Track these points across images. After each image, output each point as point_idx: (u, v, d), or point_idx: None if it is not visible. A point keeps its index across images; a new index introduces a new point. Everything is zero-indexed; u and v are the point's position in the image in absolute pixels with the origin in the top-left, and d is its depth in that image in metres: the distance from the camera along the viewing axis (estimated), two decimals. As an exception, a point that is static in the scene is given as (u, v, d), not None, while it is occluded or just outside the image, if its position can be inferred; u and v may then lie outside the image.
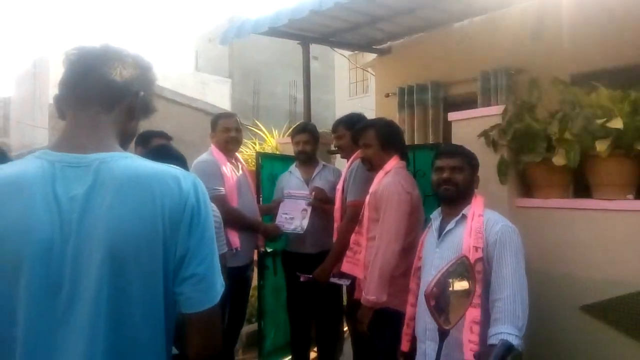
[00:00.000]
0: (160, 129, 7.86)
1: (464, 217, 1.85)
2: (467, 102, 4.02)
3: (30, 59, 17.04)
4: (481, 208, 1.87)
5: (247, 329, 3.89)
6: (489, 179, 2.56)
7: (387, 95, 4.70)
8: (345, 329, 3.37)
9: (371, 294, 2.18)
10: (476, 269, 1.70)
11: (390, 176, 2.37)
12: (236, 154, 3.04)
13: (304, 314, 3.16)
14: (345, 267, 2.51)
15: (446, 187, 1.92)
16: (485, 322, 1.70)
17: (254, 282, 3.28)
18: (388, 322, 2.19)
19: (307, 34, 4.01)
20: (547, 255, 2.47)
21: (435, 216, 2.00)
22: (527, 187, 2.61)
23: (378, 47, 4.74)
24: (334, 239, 2.75)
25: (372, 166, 2.51)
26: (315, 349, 3.29)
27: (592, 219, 2.33)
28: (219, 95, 18.01)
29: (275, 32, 3.66)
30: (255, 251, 3.17)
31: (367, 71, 5.28)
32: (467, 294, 1.07)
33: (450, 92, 4.31)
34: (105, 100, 0.99)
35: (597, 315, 2.31)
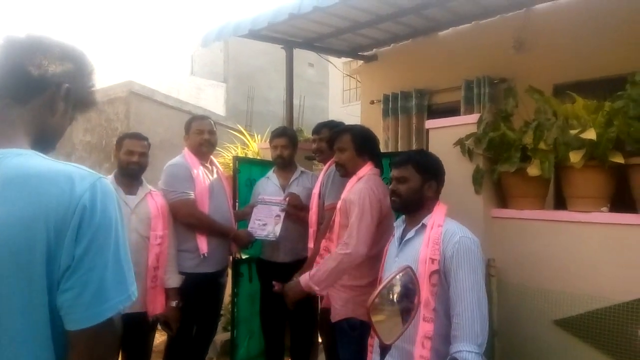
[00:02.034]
0: (151, 132, 7.84)
1: (424, 226, 1.80)
2: (451, 110, 4.00)
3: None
4: (442, 218, 1.81)
5: (222, 337, 3.82)
6: (465, 188, 2.52)
7: (372, 102, 4.67)
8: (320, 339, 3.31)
9: (319, 286, 2.15)
10: (431, 281, 1.64)
11: (363, 182, 2.34)
12: (212, 157, 2.98)
13: (277, 323, 3.09)
14: None
15: (392, 199, 1.90)
16: (445, 336, 1.64)
17: (228, 289, 3.21)
18: (353, 332, 2.14)
19: (290, 39, 3.98)
20: (521, 267, 2.43)
21: (399, 224, 1.95)
22: (502, 197, 2.56)
23: (364, 53, 4.71)
24: (310, 244, 2.70)
25: (345, 171, 2.47)
26: (290, 358, 3.22)
27: (566, 231, 2.28)
28: (213, 100, 17.98)
29: (257, 35, 3.62)
30: (231, 258, 3.11)
31: (354, 78, 5.25)
32: (410, 307, 1.02)
33: (434, 100, 4.28)
34: (18, 93, 0.93)
35: (571, 329, 2.26)
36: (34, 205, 0.80)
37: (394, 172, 1.93)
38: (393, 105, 4.42)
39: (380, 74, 4.68)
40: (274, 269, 2.94)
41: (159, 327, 2.63)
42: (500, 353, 2.43)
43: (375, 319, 0.93)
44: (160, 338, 3.21)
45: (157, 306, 2.50)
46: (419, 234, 1.80)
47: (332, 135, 2.54)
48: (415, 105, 4.27)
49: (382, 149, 4.40)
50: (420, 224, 1.81)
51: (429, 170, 1.90)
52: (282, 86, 16.91)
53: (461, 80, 3.97)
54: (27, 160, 0.86)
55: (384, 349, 0.96)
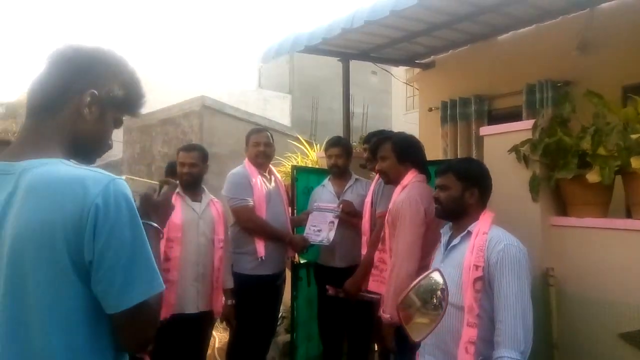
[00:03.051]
0: (222, 144, 8.25)
1: (469, 233, 1.81)
2: (512, 116, 3.89)
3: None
4: (487, 225, 1.82)
5: (284, 338, 3.97)
6: (522, 196, 2.47)
7: (430, 110, 4.65)
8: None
9: (387, 312, 2.17)
10: (475, 287, 1.66)
11: (406, 192, 2.36)
12: (271, 167, 3.16)
13: (335, 328, 3.18)
14: (372, 285, 2.52)
15: (435, 206, 1.93)
16: (489, 341, 1.65)
17: (289, 292, 3.36)
18: (406, 338, 2.17)
19: (346, 51, 4.10)
20: (582, 277, 2.33)
21: (446, 231, 1.97)
22: (562, 205, 2.48)
23: (421, 61, 4.72)
24: (363, 251, 2.77)
25: (388, 179, 2.52)
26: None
27: (629, 240, 2.17)
28: (279, 111, 18.57)
29: (314, 50, 3.78)
30: (290, 262, 3.26)
31: (412, 86, 5.25)
32: (437, 307, 1.07)
33: (495, 105, 4.19)
34: (47, 106, 1.00)
35: (636, 343, 2.14)
36: (53, 208, 0.89)
37: (437, 181, 1.96)
38: (452, 112, 4.38)
39: (438, 81, 4.65)
40: (330, 273, 3.04)
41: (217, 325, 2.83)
42: (559, 366, 2.35)
43: (404, 317, 1.00)
44: (223, 339, 3.43)
45: (219, 305, 2.70)
46: (464, 241, 1.82)
47: (373, 144, 2.60)
48: (475, 111, 4.20)
49: (441, 156, 4.38)
50: (466, 231, 1.83)
51: (469, 177, 1.91)
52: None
53: (522, 85, 3.86)
54: (50, 168, 0.94)
55: (413, 346, 1.02)
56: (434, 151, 4.51)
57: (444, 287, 1.10)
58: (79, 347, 0.92)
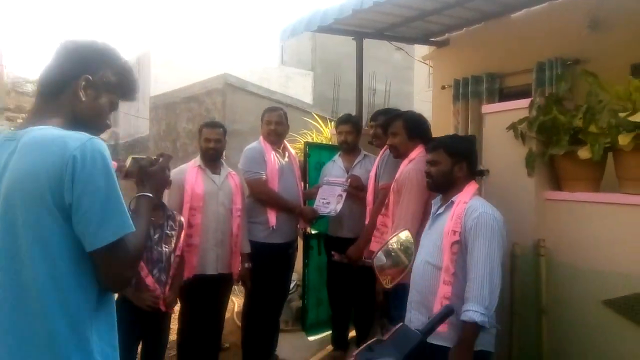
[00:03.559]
0: (244, 121, 8.47)
1: (452, 203, 1.99)
2: (523, 93, 3.95)
3: (134, 55, 19.02)
4: (468, 196, 1.99)
5: (297, 303, 4.24)
6: (518, 171, 2.61)
7: (444, 88, 4.74)
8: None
9: None
10: (452, 250, 1.86)
11: (413, 164, 2.55)
12: (285, 143, 3.37)
13: (343, 294, 3.41)
14: (374, 246, 2.73)
15: (427, 180, 2.12)
16: (462, 298, 1.84)
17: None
18: (401, 294, 2.38)
19: (360, 30, 4.21)
20: (573, 248, 2.48)
21: (437, 202, 2.15)
22: (556, 180, 2.61)
23: (436, 39, 4.78)
24: (366, 220, 2.97)
25: (398, 153, 2.70)
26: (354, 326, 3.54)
27: (617, 213, 2.30)
28: (301, 88, 18.62)
29: (328, 29, 3.91)
30: (302, 232, 3.50)
31: (426, 64, 5.32)
32: (402, 261, 1.26)
33: (506, 83, 4.25)
34: (51, 89, 1.20)
35: (619, 310, 2.29)
36: (39, 160, 1.07)
37: (428, 157, 2.14)
38: (464, 90, 4.46)
39: (452, 59, 4.72)
40: (338, 243, 3.26)
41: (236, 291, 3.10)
42: (547, 330, 2.52)
43: (377, 268, 1.20)
44: (239, 304, 3.70)
45: (237, 267, 2.97)
46: (448, 210, 2.01)
47: (386, 120, 2.78)
48: (486, 89, 4.27)
49: (452, 133, 4.48)
50: (450, 201, 2.01)
51: (459, 152, 2.08)
52: (367, 72, 16.85)
53: (533, 63, 3.91)
54: (43, 131, 1.13)
55: (385, 292, 1.21)
56: (446, 129, 4.61)
57: (411, 245, 1.29)
58: (62, 277, 1.08)
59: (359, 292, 3.29)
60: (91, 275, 1.13)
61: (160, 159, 1.43)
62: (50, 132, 1.13)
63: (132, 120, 18.27)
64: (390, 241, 1.23)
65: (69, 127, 1.18)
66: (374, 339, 1.19)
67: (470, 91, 4.40)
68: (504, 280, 2.49)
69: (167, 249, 2.47)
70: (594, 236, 2.38)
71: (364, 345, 1.18)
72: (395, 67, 18.95)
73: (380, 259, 1.19)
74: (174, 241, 2.52)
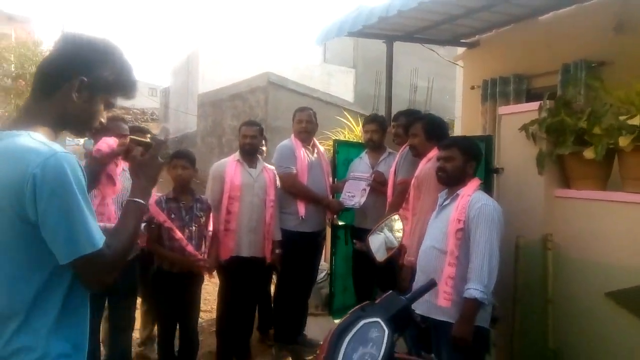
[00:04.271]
0: (285, 118, 9.02)
1: (457, 195, 2.23)
2: (550, 94, 4.06)
3: (184, 53, 19.92)
4: (472, 190, 2.22)
5: (327, 290, 4.55)
6: (529, 169, 2.79)
7: (473, 88, 4.88)
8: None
9: (411, 256, 2.64)
10: (457, 236, 2.11)
11: (431, 163, 2.78)
12: (314, 140, 3.68)
13: (366, 281, 3.68)
14: None
15: (439, 174, 2.32)
16: (464, 278, 2.09)
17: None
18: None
19: (391, 33, 4.44)
20: (578, 243, 2.64)
21: (442, 195, 2.39)
22: (565, 179, 2.76)
23: (467, 40, 4.93)
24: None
25: (417, 152, 2.94)
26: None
27: (621, 211, 2.45)
28: (342, 86, 18.83)
29: (360, 33, 4.17)
30: (330, 222, 3.80)
31: (457, 64, 5.46)
32: (392, 241, 1.53)
33: (533, 84, 4.36)
34: (43, 86, 1.18)
35: (620, 302, 2.44)
36: (3, 175, 1.07)
37: (441, 153, 2.37)
38: (492, 90, 4.59)
39: (481, 60, 4.85)
40: (364, 234, 3.50)
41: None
42: (553, 319, 2.69)
43: (371, 244, 1.47)
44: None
45: (269, 252, 3.31)
46: (453, 201, 2.25)
47: (407, 122, 3.02)
48: (514, 90, 4.39)
49: (480, 133, 4.63)
50: (455, 194, 2.25)
51: (470, 152, 2.32)
52: (409, 69, 16.76)
53: (559, 64, 4.01)
54: (16, 140, 1.10)
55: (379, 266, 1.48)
56: (474, 128, 4.77)
57: (400, 227, 1.55)
58: (30, 286, 1.10)
59: (382, 278, 3.55)
60: (57, 283, 1.12)
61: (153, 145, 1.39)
62: (20, 142, 1.09)
63: (181, 117, 19.20)
64: (382, 224, 1.50)
65: (56, 129, 1.18)
66: (367, 302, 1.47)
67: (498, 91, 4.53)
68: (508, 269, 2.71)
69: (196, 227, 2.90)
70: (599, 232, 2.53)
71: (359, 306, 1.46)
72: (439, 64, 18.80)
73: (374, 238, 1.45)
74: (202, 220, 2.94)
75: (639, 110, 2.25)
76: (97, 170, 1.56)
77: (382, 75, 18.56)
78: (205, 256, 2.93)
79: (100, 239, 1.11)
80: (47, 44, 15.94)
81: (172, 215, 2.86)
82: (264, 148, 3.75)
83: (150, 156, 1.34)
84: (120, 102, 1.31)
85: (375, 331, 1.38)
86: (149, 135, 3.13)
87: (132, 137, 1.40)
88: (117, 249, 1.16)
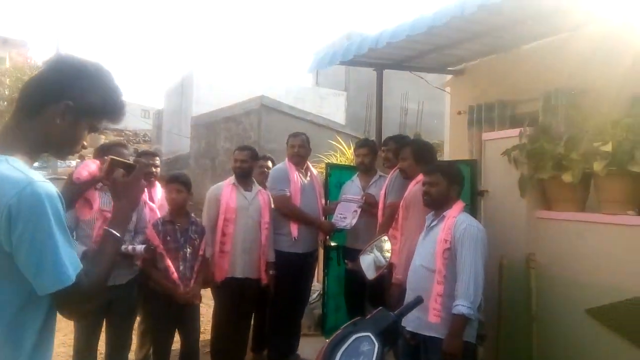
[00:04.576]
0: (279, 140, 9.14)
1: (444, 217, 2.36)
2: (532, 120, 4.25)
3: (178, 76, 20.20)
4: (457, 212, 2.36)
5: (319, 311, 4.61)
6: (512, 192, 2.94)
7: (459, 113, 5.07)
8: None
9: (399, 274, 2.75)
10: (444, 256, 2.24)
11: (419, 185, 2.92)
12: (308, 163, 3.81)
13: (358, 300, 3.76)
14: None
15: (425, 198, 2.48)
16: (451, 296, 2.20)
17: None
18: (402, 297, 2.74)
19: (380, 61, 4.63)
20: (560, 262, 2.77)
21: (430, 217, 2.52)
22: (546, 201, 2.91)
23: (453, 68, 5.14)
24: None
25: (406, 175, 3.09)
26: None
27: (598, 231, 2.59)
28: (334, 108, 19.16)
29: (351, 62, 4.36)
30: (322, 244, 3.90)
31: (444, 90, 5.67)
32: (381, 260, 1.65)
33: (516, 110, 4.54)
34: (29, 109, 1.14)
35: (598, 318, 2.56)
36: None
37: (426, 179, 2.52)
38: (477, 116, 4.77)
39: (467, 87, 5.05)
40: (355, 254, 3.60)
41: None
42: (537, 336, 2.80)
43: (362, 263, 1.59)
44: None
45: (263, 273, 3.40)
46: (440, 223, 2.39)
47: (396, 147, 3.18)
48: (498, 115, 4.57)
49: (467, 156, 4.79)
50: (441, 215, 2.38)
51: (453, 177, 2.47)
52: (400, 93, 17.08)
53: (541, 91, 4.20)
54: None
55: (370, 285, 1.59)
56: (461, 152, 4.94)
57: (388, 248, 1.67)
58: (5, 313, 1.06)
59: (372, 296, 3.64)
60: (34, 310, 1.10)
61: (137, 166, 1.35)
62: None
63: (174, 139, 19.32)
64: (372, 245, 1.61)
65: (36, 152, 1.17)
66: (358, 318, 1.57)
67: (484, 117, 4.71)
68: (493, 288, 2.83)
69: (191, 249, 2.98)
70: (578, 251, 2.67)
71: (350, 322, 1.56)
72: (429, 87, 19.22)
73: (364, 258, 1.57)
74: (197, 242, 3.02)
75: (612, 137, 2.40)
76: (76, 195, 1.52)
77: (373, 98, 18.88)
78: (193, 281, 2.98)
79: (73, 272, 1.08)
80: (42, 68, 16.05)
81: (168, 238, 2.95)
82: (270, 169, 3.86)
83: (132, 178, 1.31)
84: (112, 124, 1.31)
85: (366, 345, 1.47)
86: (132, 157, 3.25)
87: (113, 157, 1.35)
88: (94, 278, 1.14)
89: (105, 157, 1.35)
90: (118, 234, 1.24)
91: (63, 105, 1.14)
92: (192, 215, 3.14)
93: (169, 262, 2.88)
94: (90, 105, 1.18)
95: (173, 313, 2.93)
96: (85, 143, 1.24)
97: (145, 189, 3.33)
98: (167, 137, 20.96)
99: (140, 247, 2.74)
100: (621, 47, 3.64)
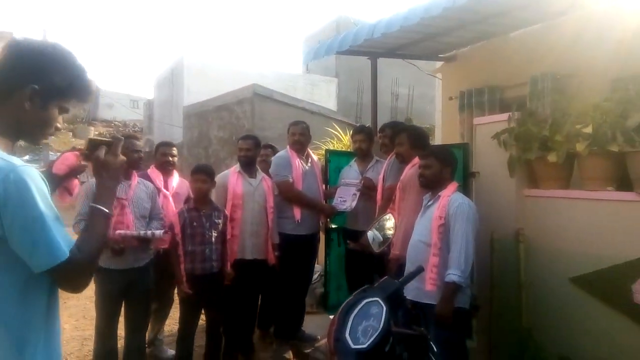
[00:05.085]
0: (272, 128, 9.37)
1: (439, 197, 2.58)
2: (520, 104, 4.46)
3: (168, 66, 20.10)
4: (450, 191, 2.58)
5: (321, 290, 4.83)
6: (502, 172, 3.15)
7: (451, 99, 5.26)
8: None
9: (397, 250, 2.97)
10: (439, 230, 2.47)
11: (415, 168, 3.12)
12: (309, 151, 3.99)
13: (359, 279, 3.97)
14: None
15: (420, 180, 2.70)
16: (445, 266, 2.43)
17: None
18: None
19: (374, 50, 4.79)
20: (546, 235, 3.00)
21: (426, 197, 2.74)
22: (533, 180, 3.12)
23: (444, 55, 5.32)
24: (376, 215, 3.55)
25: (402, 159, 3.28)
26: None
27: (581, 206, 2.82)
28: (326, 95, 19.27)
29: (346, 52, 4.51)
30: (323, 226, 4.10)
31: (436, 77, 5.85)
32: (385, 235, 1.85)
33: (505, 95, 4.75)
34: None
35: (581, 285, 2.79)
36: None
37: (421, 162, 2.72)
38: (468, 100, 4.97)
39: (458, 73, 5.25)
40: (355, 235, 3.83)
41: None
42: (526, 303, 3.04)
43: (369, 239, 1.79)
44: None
45: (271, 254, 3.60)
46: (435, 202, 2.60)
47: (392, 133, 3.37)
48: (488, 100, 4.78)
49: (458, 140, 5.00)
50: (437, 195, 2.60)
51: (445, 160, 2.67)
52: (391, 77, 17.16)
53: (528, 76, 4.41)
54: None
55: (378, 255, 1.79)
56: (453, 136, 5.15)
57: (392, 225, 1.87)
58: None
59: (377, 269, 3.85)
60: (35, 293, 1.14)
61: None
62: None
63: (166, 129, 19.32)
64: (377, 222, 1.81)
65: (15, 134, 1.19)
66: (366, 286, 1.77)
67: (474, 102, 4.91)
68: (485, 261, 3.06)
69: (215, 233, 3.18)
70: (563, 224, 2.90)
71: (360, 289, 1.76)
72: (418, 72, 19.41)
73: (370, 234, 1.76)
74: (220, 227, 3.22)
75: (592, 120, 2.61)
76: (55, 187, 1.53)
77: (363, 84, 19.05)
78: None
79: (66, 248, 1.12)
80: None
81: (194, 223, 3.17)
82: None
83: (111, 154, 1.32)
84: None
85: (375, 308, 1.68)
86: (108, 135, 3.44)
87: (91, 137, 1.37)
88: (87, 251, 1.17)
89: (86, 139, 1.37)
90: (106, 210, 1.26)
91: (29, 89, 1.16)
92: (214, 202, 3.37)
93: (181, 252, 3.12)
94: (56, 87, 1.19)
95: (200, 294, 3.16)
96: (58, 125, 1.26)
97: (162, 177, 3.52)
98: (159, 128, 20.91)
99: (159, 232, 2.92)
100: (604, 33, 3.85)
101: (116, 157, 1.32)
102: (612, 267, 2.64)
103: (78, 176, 1.51)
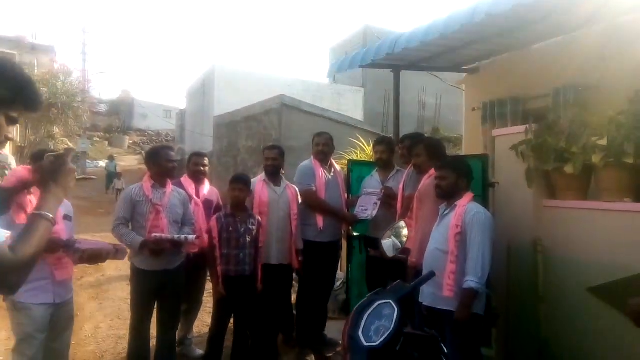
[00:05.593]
0: (299, 137, 9.64)
1: (455, 206, 2.68)
2: (542, 116, 4.49)
3: (199, 77, 20.73)
4: (466, 201, 2.68)
5: (344, 297, 4.95)
6: (520, 183, 3.21)
7: (474, 109, 5.32)
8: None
9: (414, 257, 3.07)
10: (456, 239, 2.57)
11: (431, 179, 3.22)
12: (332, 161, 4.14)
13: (379, 286, 4.08)
14: None
15: (437, 190, 2.81)
16: (462, 273, 2.52)
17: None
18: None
19: (397, 63, 4.92)
20: (565, 246, 3.04)
21: (443, 207, 2.84)
22: (551, 191, 3.17)
23: (467, 67, 5.39)
24: (396, 224, 3.66)
25: (420, 170, 3.39)
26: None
27: (599, 217, 2.86)
28: (352, 105, 19.42)
29: (369, 65, 4.66)
30: (345, 234, 4.23)
31: (459, 88, 5.92)
32: (399, 242, 1.97)
33: (528, 106, 4.78)
34: None
35: (599, 295, 2.81)
36: None
37: (437, 173, 2.83)
38: (491, 112, 5.02)
39: (481, 84, 5.30)
40: (376, 243, 3.92)
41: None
42: (544, 314, 3.08)
43: (383, 245, 1.92)
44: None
45: (296, 260, 3.76)
46: (452, 211, 2.71)
47: (411, 144, 3.49)
48: (510, 111, 4.82)
49: (482, 151, 5.05)
50: (453, 205, 2.70)
51: (461, 171, 2.78)
52: (418, 87, 17.17)
53: (550, 88, 4.44)
54: None
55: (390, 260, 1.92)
56: (476, 147, 5.20)
57: (405, 233, 1.99)
58: None
59: (394, 276, 3.95)
60: None
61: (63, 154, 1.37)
62: None
63: (197, 138, 19.89)
64: (392, 229, 1.94)
65: None
66: (380, 288, 1.89)
67: (497, 113, 4.96)
68: (502, 271, 3.11)
69: (249, 239, 3.40)
70: (581, 235, 2.95)
71: (373, 292, 1.89)
72: (447, 81, 19.35)
73: (384, 241, 1.89)
74: (254, 233, 3.44)
75: (608, 132, 2.66)
76: (5, 199, 1.53)
77: (390, 93, 19.03)
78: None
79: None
80: (76, 74, 16.83)
81: (230, 228, 3.39)
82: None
83: (59, 163, 1.32)
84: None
85: (388, 309, 1.81)
86: (141, 143, 3.67)
87: (48, 154, 1.38)
88: (20, 253, 1.15)
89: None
90: (50, 215, 1.24)
91: None
92: (250, 210, 3.59)
93: (217, 255, 3.36)
94: (1, 98, 1.20)
95: (234, 295, 3.38)
96: (9, 135, 1.26)
97: (194, 186, 3.74)
98: (190, 137, 21.52)
99: (191, 237, 3.13)
100: (626, 46, 3.87)
101: (65, 166, 1.33)
102: (630, 278, 2.66)
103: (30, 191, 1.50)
